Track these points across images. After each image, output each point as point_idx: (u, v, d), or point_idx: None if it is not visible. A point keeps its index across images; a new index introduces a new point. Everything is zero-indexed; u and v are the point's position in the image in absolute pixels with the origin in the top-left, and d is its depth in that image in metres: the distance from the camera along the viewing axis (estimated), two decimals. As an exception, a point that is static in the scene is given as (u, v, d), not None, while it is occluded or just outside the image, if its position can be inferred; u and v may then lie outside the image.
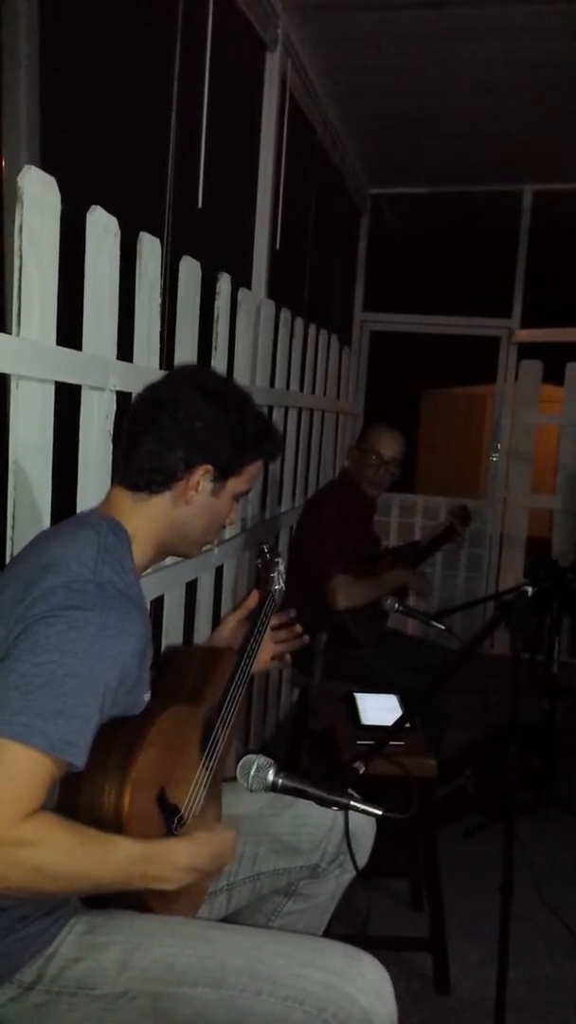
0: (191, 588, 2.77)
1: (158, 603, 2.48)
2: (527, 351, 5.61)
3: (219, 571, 3.06)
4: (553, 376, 5.56)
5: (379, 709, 2.59)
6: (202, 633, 2.88)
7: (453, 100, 4.22)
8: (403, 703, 2.61)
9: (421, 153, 5.07)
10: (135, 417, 1.53)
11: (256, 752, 1.50)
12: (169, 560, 2.07)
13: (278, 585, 1.85)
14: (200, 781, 1.49)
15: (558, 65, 3.74)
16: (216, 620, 3.02)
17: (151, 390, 1.56)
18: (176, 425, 1.47)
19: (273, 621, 1.82)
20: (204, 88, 2.66)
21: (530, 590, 1.88)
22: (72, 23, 2.27)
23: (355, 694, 2.66)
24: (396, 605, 3.00)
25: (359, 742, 2.42)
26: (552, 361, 5.50)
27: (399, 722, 2.04)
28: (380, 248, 5.95)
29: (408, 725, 2.51)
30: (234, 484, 1.56)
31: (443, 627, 2.86)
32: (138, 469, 1.48)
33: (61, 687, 1.20)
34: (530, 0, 3.20)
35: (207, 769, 1.51)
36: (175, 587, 2.57)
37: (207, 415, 1.48)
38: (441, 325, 6.02)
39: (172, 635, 2.57)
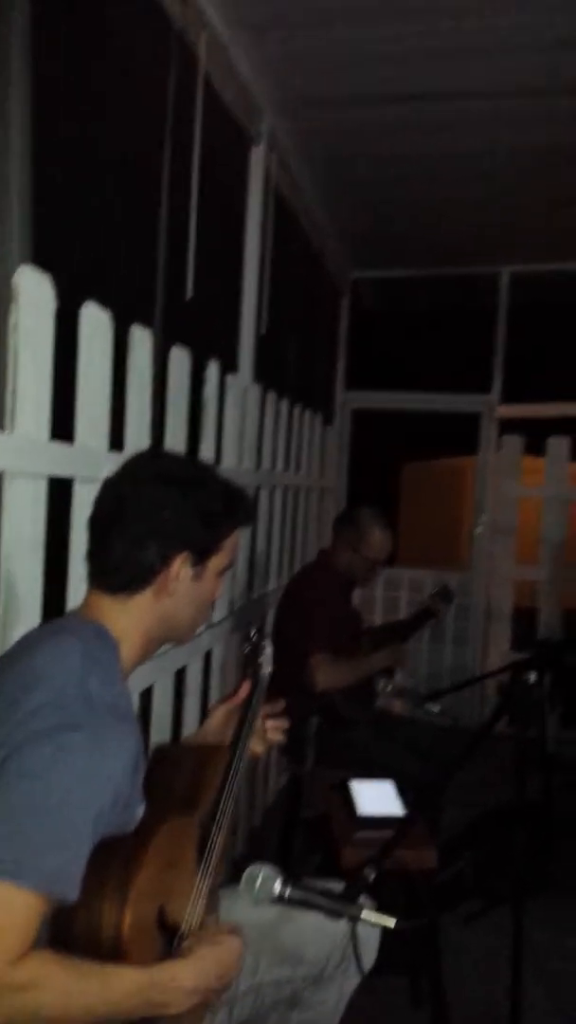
0: (179, 675, 2.73)
1: (147, 694, 2.44)
2: (508, 425, 5.68)
3: (208, 656, 3.02)
4: (535, 447, 5.64)
5: (376, 797, 2.54)
6: (190, 721, 2.83)
7: (433, 188, 4.34)
8: (400, 789, 2.56)
9: (401, 238, 5.19)
10: (98, 518, 1.47)
11: (251, 859, 1.44)
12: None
13: (266, 669, 1.80)
14: (199, 892, 1.43)
15: (536, 154, 3.86)
16: (205, 706, 2.96)
17: (109, 486, 1.50)
18: (142, 519, 1.42)
19: (264, 709, 1.78)
20: (192, 181, 2.72)
21: (532, 676, 1.85)
22: (63, 119, 2.33)
23: (350, 782, 2.61)
24: (388, 687, 2.97)
25: (358, 835, 2.37)
26: (533, 434, 5.58)
27: (401, 827, 1.97)
28: (362, 327, 6.06)
29: (406, 814, 2.46)
30: (216, 562, 1.51)
31: (437, 710, 2.83)
32: (112, 572, 1.43)
33: (52, 818, 1.15)
34: (513, 94, 3.31)
35: (205, 878, 1.46)
36: (164, 676, 2.53)
37: (172, 502, 1.44)
38: (423, 402, 6.11)
39: (160, 725, 2.52)
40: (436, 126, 3.66)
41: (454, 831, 3.44)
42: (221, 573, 1.54)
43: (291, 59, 3.13)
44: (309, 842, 3.22)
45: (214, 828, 1.49)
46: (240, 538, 1.59)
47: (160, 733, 2.51)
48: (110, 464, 2.03)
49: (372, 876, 1.51)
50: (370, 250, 5.48)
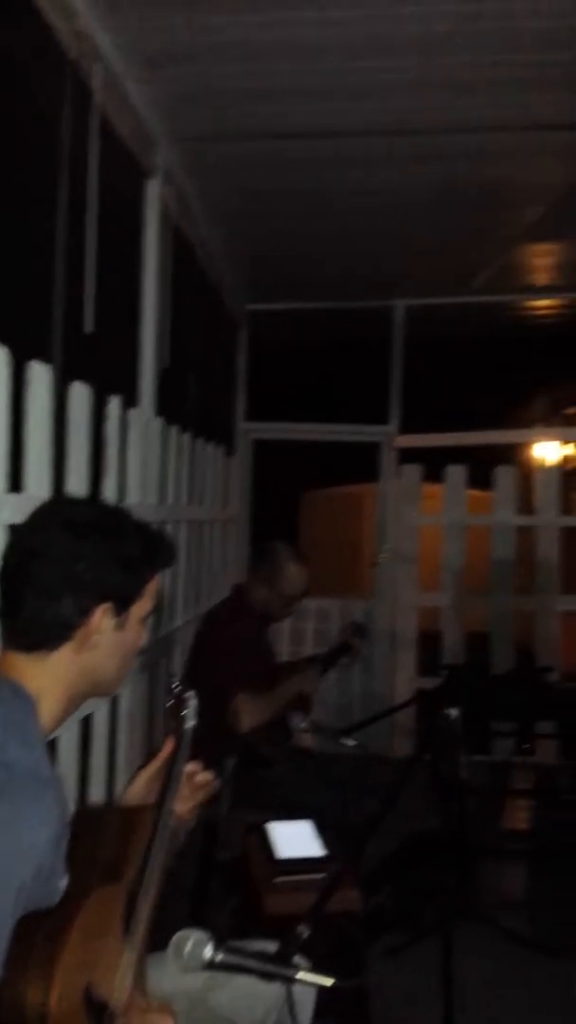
0: (85, 723, 2.63)
1: (51, 745, 2.32)
2: (407, 455, 5.77)
3: (114, 701, 2.92)
4: (433, 475, 5.74)
5: (294, 839, 2.48)
6: (97, 771, 2.72)
7: (328, 222, 4.40)
8: (320, 828, 2.51)
9: (297, 271, 5.24)
10: (6, 573, 1.38)
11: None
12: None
13: (191, 723, 1.73)
14: (127, 964, 1.35)
15: (429, 191, 3.96)
16: (112, 754, 2.86)
17: (17, 538, 1.42)
18: (56, 572, 1.34)
19: (188, 767, 1.70)
20: (89, 214, 2.66)
21: (453, 712, 1.85)
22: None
23: (267, 824, 2.55)
24: (303, 722, 2.93)
25: (278, 879, 2.30)
26: (431, 462, 5.69)
27: (332, 880, 1.90)
28: (261, 359, 6.07)
29: (327, 854, 2.41)
30: (138, 609, 1.44)
31: (353, 743, 2.80)
32: (26, 629, 1.35)
33: None
34: (406, 133, 3.38)
35: (132, 948, 1.38)
36: (69, 726, 2.42)
37: (86, 552, 1.36)
38: (323, 432, 6.15)
39: (66, 777, 2.40)
40: (330, 162, 3.71)
41: (371, 863, 3.41)
42: (144, 620, 1.47)
43: (183, 93, 3.11)
44: (225, 886, 3.13)
45: (141, 895, 1.40)
46: (161, 581, 1.53)
47: (66, 786, 2.40)
48: (9, 507, 1.94)
49: (306, 934, 1.45)
50: (266, 283, 5.50)
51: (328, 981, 1.34)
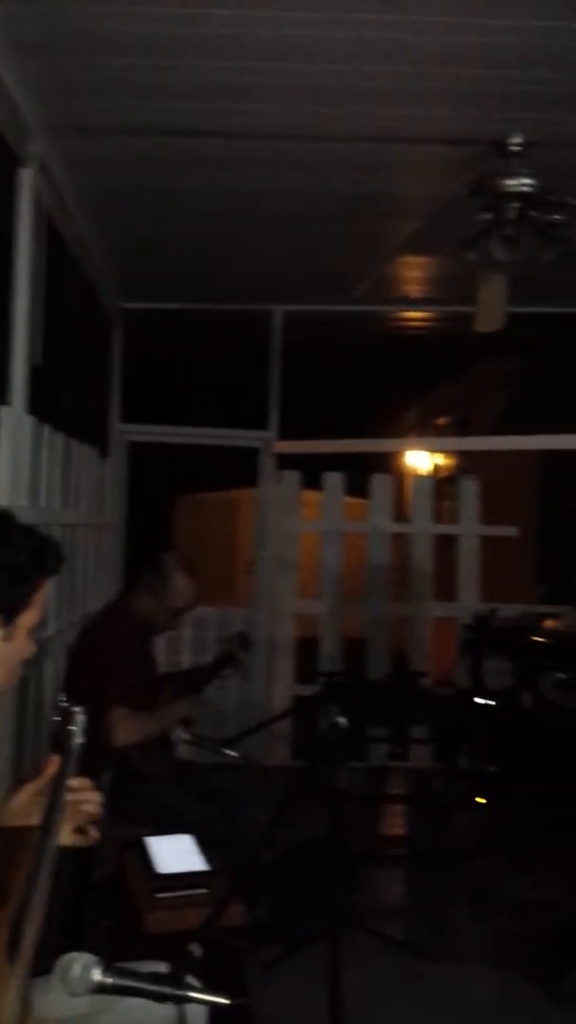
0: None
1: None
2: (286, 461, 5.77)
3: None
4: (311, 482, 5.76)
5: (175, 854, 2.41)
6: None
7: (207, 224, 4.34)
8: (201, 841, 2.44)
9: (174, 271, 5.15)
10: None
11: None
12: None
13: (78, 739, 1.63)
14: (13, 992, 1.25)
15: (310, 198, 3.96)
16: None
17: None
18: None
19: (74, 783, 1.60)
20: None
21: (342, 720, 1.82)
22: None
23: (145, 839, 2.46)
24: (184, 735, 2.85)
25: (159, 896, 2.22)
26: (310, 468, 5.71)
27: (223, 898, 1.84)
28: (139, 360, 5.94)
29: (209, 868, 2.35)
30: (26, 619, 1.39)
31: (236, 754, 2.74)
32: None
33: None
34: (290, 138, 3.36)
35: (18, 973, 1.27)
36: None
37: None
38: (202, 436, 6.07)
39: None
40: (211, 163, 3.66)
41: (249, 874, 3.36)
42: (32, 630, 1.38)
43: (60, 83, 3.00)
44: (101, 906, 3.01)
45: (27, 920, 1.30)
46: (48, 588, 1.44)
47: None
48: None
49: (198, 953, 1.39)
50: (143, 281, 5.39)
51: (223, 1000, 1.29)
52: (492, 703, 4.46)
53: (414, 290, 5.43)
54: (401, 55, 2.77)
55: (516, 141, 3.15)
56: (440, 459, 8.82)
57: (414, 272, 5.09)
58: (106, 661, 2.99)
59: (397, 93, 3.02)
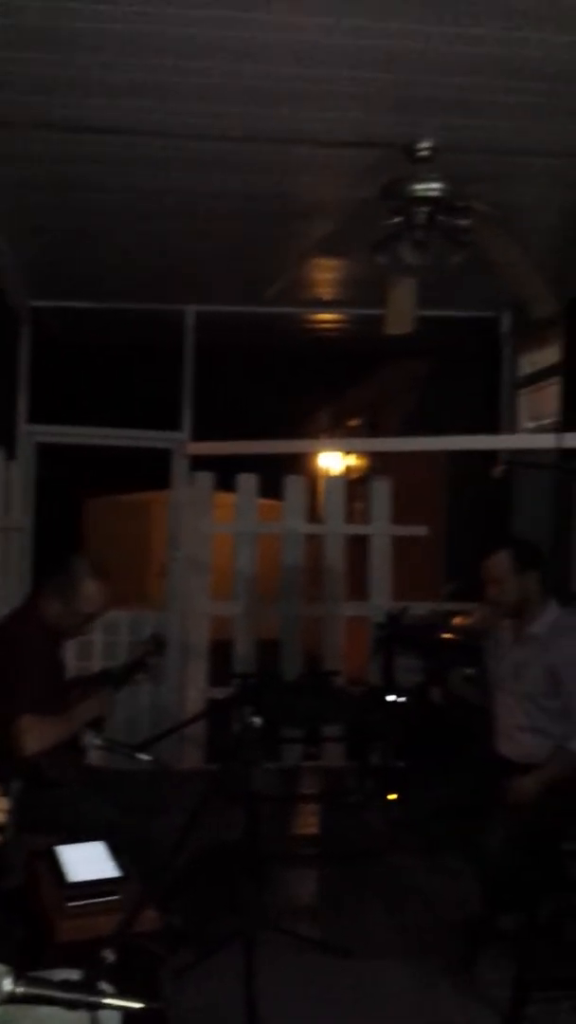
0: None
1: None
2: (199, 462, 5.74)
3: None
4: (224, 483, 5.75)
5: (86, 861, 2.36)
6: None
7: (117, 221, 4.28)
8: (114, 848, 2.40)
9: (84, 269, 5.07)
10: None
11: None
12: None
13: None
14: None
15: (224, 198, 3.95)
16: None
17: None
18: None
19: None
20: None
21: (257, 721, 1.82)
22: None
23: (56, 848, 2.41)
24: (96, 740, 2.79)
25: (70, 904, 2.17)
26: (224, 470, 5.69)
27: (136, 903, 1.80)
28: (48, 359, 5.82)
29: (121, 874, 2.32)
30: None
31: (148, 758, 2.71)
32: None
33: None
34: (207, 138, 3.34)
35: None
36: None
37: None
38: (113, 437, 5.99)
39: None
40: (122, 161, 3.61)
41: (162, 879, 3.32)
42: None
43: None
44: (9, 915, 2.93)
45: None
46: None
47: None
48: None
49: (111, 958, 1.36)
50: (51, 279, 5.29)
51: (137, 1005, 1.27)
52: (403, 700, 4.52)
53: (326, 292, 5.48)
54: (312, 57, 2.78)
55: (425, 146, 3.20)
56: (352, 460, 8.91)
57: (326, 274, 5.13)
58: (14, 668, 2.91)
59: (308, 95, 3.03)
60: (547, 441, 4.61)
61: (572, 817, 3.09)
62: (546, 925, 3.16)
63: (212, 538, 5.74)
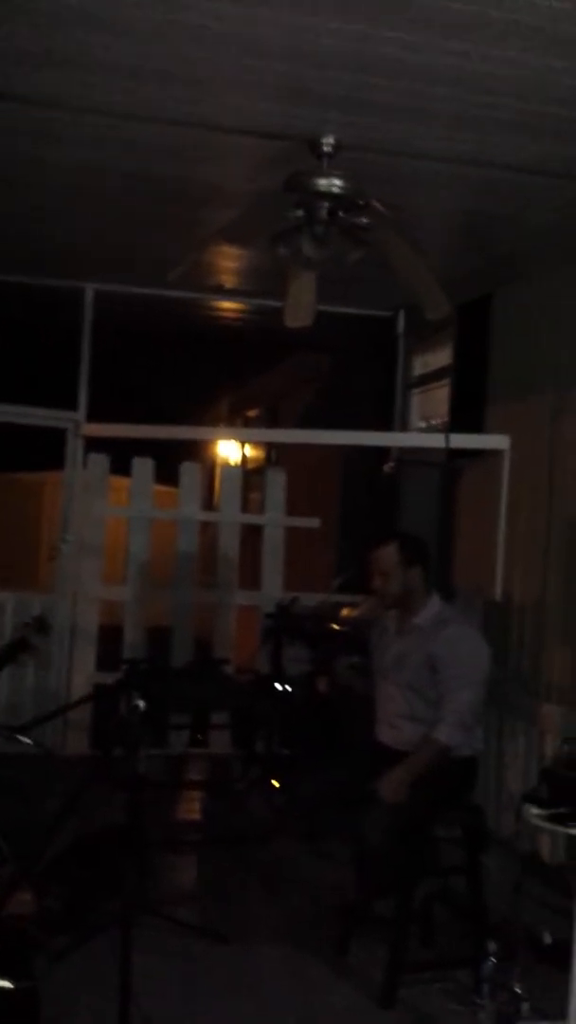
0: None
1: None
2: (94, 444, 5.65)
3: None
4: (120, 467, 5.68)
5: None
6: None
7: (12, 193, 4.17)
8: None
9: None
10: None
11: None
12: None
13: None
14: None
15: (126, 177, 3.89)
16: None
17: None
18: None
19: None
20: None
21: (140, 704, 1.82)
22: None
23: None
24: (-27, 724, 2.74)
25: None
26: (119, 453, 5.62)
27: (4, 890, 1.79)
28: None
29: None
30: None
31: (30, 742, 2.67)
32: None
33: None
34: (105, 114, 3.28)
35: None
36: None
37: None
38: (4, 414, 5.82)
39: None
40: (19, 132, 3.52)
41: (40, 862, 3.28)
42: None
43: None
44: None
45: None
46: None
47: None
48: None
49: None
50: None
51: (6, 983, 1.27)
52: (290, 689, 4.58)
53: (228, 280, 5.47)
54: (221, 44, 2.77)
55: (329, 142, 3.23)
56: (250, 450, 8.95)
57: (229, 262, 5.13)
58: None
59: (216, 81, 3.02)
60: (437, 440, 4.73)
61: (445, 804, 3.20)
62: (419, 909, 3.27)
63: (105, 522, 5.67)
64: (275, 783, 4.57)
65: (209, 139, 3.47)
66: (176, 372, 7.65)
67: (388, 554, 3.35)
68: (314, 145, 3.25)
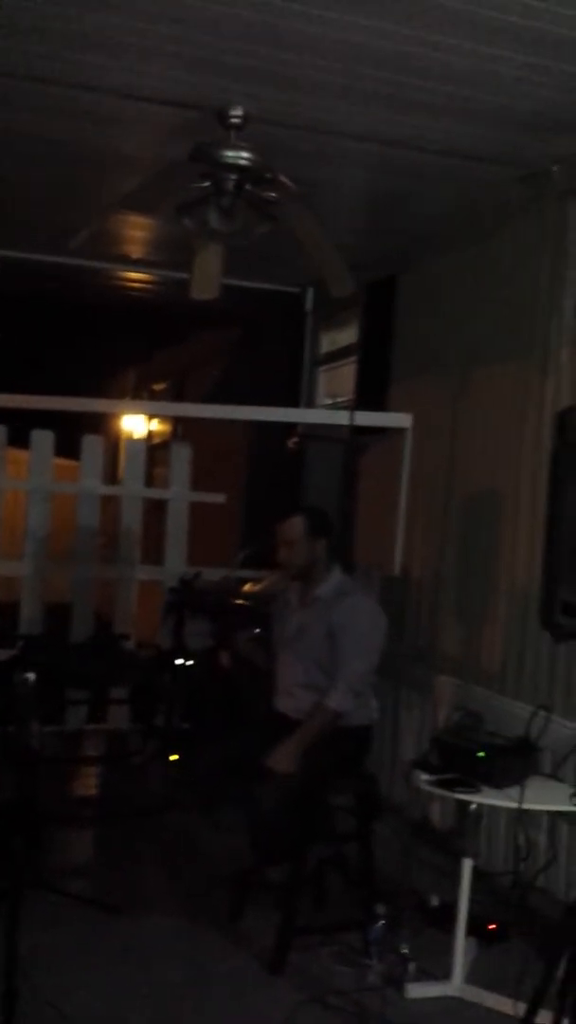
0: None
1: None
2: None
3: None
4: (17, 439, 5.54)
5: None
6: None
7: None
8: None
9: None
10: None
11: None
12: None
13: None
14: None
15: (28, 141, 3.79)
16: None
17: None
18: None
19: None
20: None
21: (31, 677, 1.80)
22: None
23: None
24: None
25: None
26: (19, 425, 5.48)
27: None
28: None
29: None
30: None
31: None
32: None
33: None
34: (9, 75, 3.17)
35: None
36: None
37: None
38: None
39: None
40: None
41: None
42: None
43: None
44: None
45: None
46: None
47: None
48: None
49: None
50: None
51: None
52: (191, 663, 4.59)
53: (134, 250, 5.38)
54: (132, 10, 2.71)
55: (237, 114, 3.20)
56: (156, 424, 8.85)
57: (134, 232, 5.05)
58: None
59: (124, 47, 2.95)
60: (341, 417, 4.79)
61: (339, 772, 3.27)
62: (312, 876, 3.34)
63: (3, 495, 5.54)
64: (174, 757, 4.57)
65: (116, 105, 3.39)
66: (81, 343, 7.49)
67: (295, 525, 3.43)
68: (222, 116, 3.22)
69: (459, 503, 4.25)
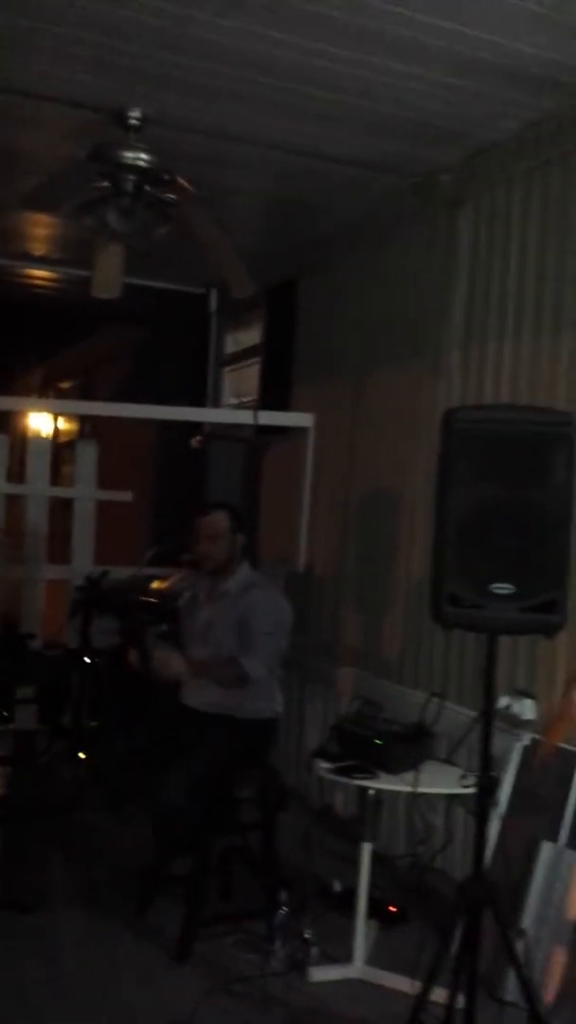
0: None
1: None
2: None
3: None
4: None
5: None
6: None
7: None
8: None
9: None
10: None
11: None
12: None
13: None
14: None
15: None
16: None
17: None
18: None
19: None
20: None
21: None
22: None
23: None
24: None
25: None
26: None
27: None
28: None
29: None
30: None
31: None
32: None
33: None
34: None
35: None
36: None
37: None
38: None
39: None
40: None
41: None
42: None
43: None
44: None
45: None
46: None
47: None
48: None
49: None
50: None
51: None
52: (98, 661, 4.59)
53: (36, 248, 5.34)
54: (32, 9, 2.71)
55: (136, 115, 3.24)
56: (63, 423, 8.74)
57: (37, 229, 5.01)
58: None
59: (24, 46, 2.95)
60: (245, 417, 4.86)
61: (244, 764, 3.34)
62: (218, 866, 3.40)
63: None
64: (82, 755, 4.57)
65: (15, 104, 3.38)
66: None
67: (219, 520, 3.53)
68: (121, 118, 3.25)
69: (359, 500, 4.38)
